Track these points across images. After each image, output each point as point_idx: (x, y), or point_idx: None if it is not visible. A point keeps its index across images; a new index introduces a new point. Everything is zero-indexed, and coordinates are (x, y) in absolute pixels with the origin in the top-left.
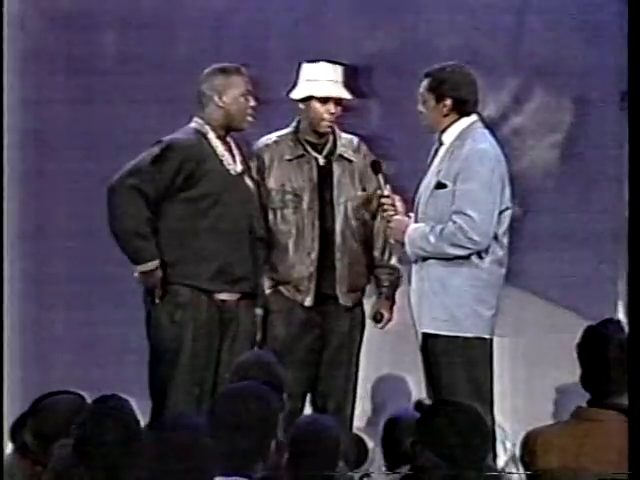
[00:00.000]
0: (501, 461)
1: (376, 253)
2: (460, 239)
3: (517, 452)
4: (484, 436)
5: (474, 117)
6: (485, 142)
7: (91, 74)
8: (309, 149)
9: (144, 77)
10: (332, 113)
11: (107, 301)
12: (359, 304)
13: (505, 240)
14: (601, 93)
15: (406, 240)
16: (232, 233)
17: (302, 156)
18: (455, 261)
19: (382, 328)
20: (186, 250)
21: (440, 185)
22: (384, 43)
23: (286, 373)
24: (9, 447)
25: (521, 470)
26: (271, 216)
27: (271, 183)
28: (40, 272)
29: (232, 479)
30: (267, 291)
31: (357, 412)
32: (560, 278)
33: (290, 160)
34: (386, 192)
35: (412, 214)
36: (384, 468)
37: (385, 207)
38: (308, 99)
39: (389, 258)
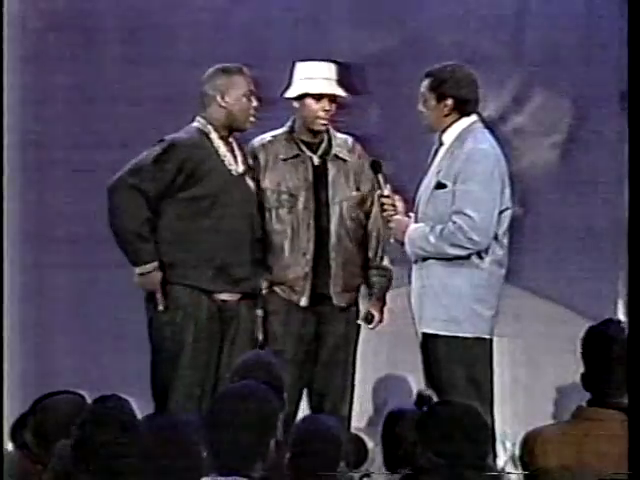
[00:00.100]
0: (501, 461)
1: (369, 254)
2: (460, 239)
3: (517, 452)
4: (484, 436)
5: (474, 117)
6: (485, 142)
7: (91, 74)
8: (304, 149)
9: (144, 77)
10: (327, 110)
11: (108, 301)
12: (354, 304)
13: (505, 240)
14: (601, 93)
15: (406, 240)
16: (233, 233)
17: (297, 156)
18: (455, 261)
19: (373, 329)
20: (186, 250)
21: (440, 185)
22: (384, 43)
23: (286, 373)
24: (9, 447)
25: (521, 470)
26: (266, 216)
27: (266, 183)
28: (40, 272)
29: (231, 479)
30: (263, 291)
31: (358, 412)
32: (560, 278)
33: (285, 160)
34: (386, 192)
35: (412, 214)
36: (384, 468)
37: (385, 207)
38: (302, 97)
39: (381, 259)
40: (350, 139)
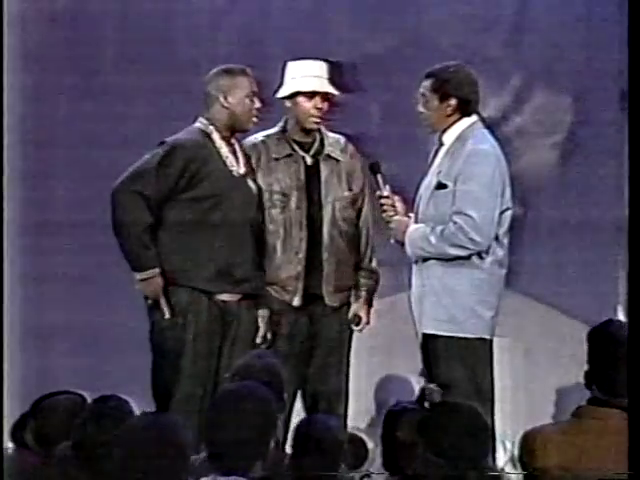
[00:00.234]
0: (501, 461)
1: (358, 255)
2: (461, 239)
3: (516, 452)
4: (484, 436)
5: (474, 117)
6: (486, 142)
7: (91, 73)
8: (296, 148)
9: (144, 76)
10: (319, 108)
11: (108, 300)
12: (347, 304)
13: (506, 240)
14: (601, 93)
15: (406, 241)
16: (234, 234)
17: (290, 155)
18: (456, 261)
19: (360, 331)
20: (187, 251)
21: (441, 185)
22: (384, 43)
23: (286, 374)
24: (9, 447)
25: (520, 469)
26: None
27: (259, 183)
28: (40, 271)
29: (231, 479)
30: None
31: (359, 412)
32: (560, 278)
33: (277, 159)
34: (385, 192)
35: (412, 214)
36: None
37: (385, 207)
38: (294, 96)
39: (370, 260)
40: (342, 139)
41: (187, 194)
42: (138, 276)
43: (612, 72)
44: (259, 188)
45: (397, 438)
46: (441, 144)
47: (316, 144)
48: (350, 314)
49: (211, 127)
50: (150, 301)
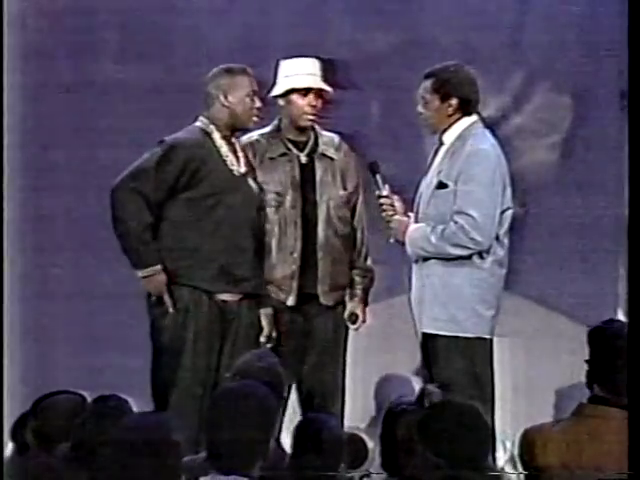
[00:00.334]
0: (501, 461)
1: (353, 254)
2: (462, 239)
3: (516, 451)
4: (484, 436)
5: (474, 117)
6: (486, 142)
7: (91, 73)
8: (291, 147)
9: (144, 75)
10: (313, 106)
11: (108, 300)
12: (342, 303)
13: (506, 240)
14: (601, 93)
15: (407, 240)
16: (234, 234)
17: (284, 154)
18: (456, 261)
19: (356, 330)
20: (188, 251)
21: (441, 185)
22: (384, 43)
23: (286, 373)
24: (9, 447)
25: (520, 468)
26: None
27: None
28: (40, 272)
29: (231, 478)
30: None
31: (360, 412)
32: (560, 278)
33: (272, 158)
34: (385, 192)
35: (411, 214)
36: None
37: (384, 207)
38: (288, 94)
39: (365, 259)
40: (336, 137)
41: (187, 193)
42: (140, 274)
43: (612, 72)
44: (260, 187)
45: (396, 438)
46: (441, 144)
47: (310, 143)
48: (346, 313)
49: (211, 126)
50: (153, 298)
